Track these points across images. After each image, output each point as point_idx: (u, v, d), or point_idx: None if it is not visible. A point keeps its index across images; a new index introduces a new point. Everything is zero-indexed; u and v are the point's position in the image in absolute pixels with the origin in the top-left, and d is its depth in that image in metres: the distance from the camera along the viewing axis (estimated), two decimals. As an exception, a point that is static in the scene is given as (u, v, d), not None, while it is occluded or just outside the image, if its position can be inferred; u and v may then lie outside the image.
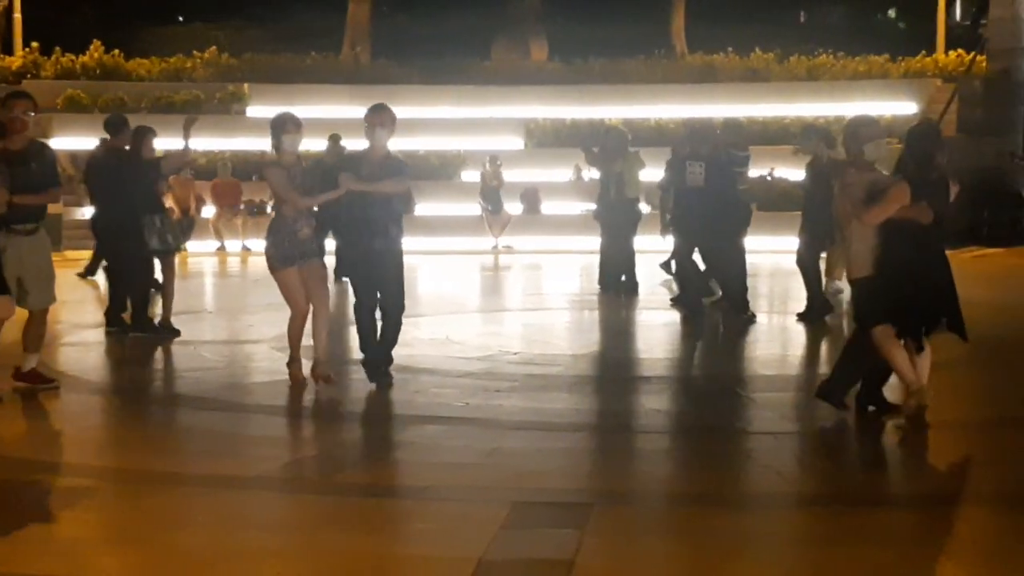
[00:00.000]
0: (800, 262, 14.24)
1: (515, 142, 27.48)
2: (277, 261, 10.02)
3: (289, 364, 10.30)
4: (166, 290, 13.09)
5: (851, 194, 8.83)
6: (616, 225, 16.78)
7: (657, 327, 14.47)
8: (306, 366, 10.21)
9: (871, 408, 8.98)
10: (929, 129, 9.48)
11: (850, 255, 9.03)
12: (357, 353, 10.51)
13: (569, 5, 33.55)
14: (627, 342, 13.63)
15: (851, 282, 9.20)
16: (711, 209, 14.09)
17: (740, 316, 14.20)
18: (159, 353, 12.46)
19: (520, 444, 8.69)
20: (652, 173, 17.47)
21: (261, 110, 26.69)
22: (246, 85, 27.46)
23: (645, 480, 7.80)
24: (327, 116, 24.90)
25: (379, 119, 10.15)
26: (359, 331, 10.21)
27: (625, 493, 7.37)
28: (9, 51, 29.48)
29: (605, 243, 17.07)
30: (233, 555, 6.16)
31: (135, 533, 6.59)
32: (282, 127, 10.05)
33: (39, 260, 9.84)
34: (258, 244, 22.21)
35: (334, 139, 19.34)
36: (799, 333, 13.75)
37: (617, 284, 16.78)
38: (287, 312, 10.24)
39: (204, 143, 25.80)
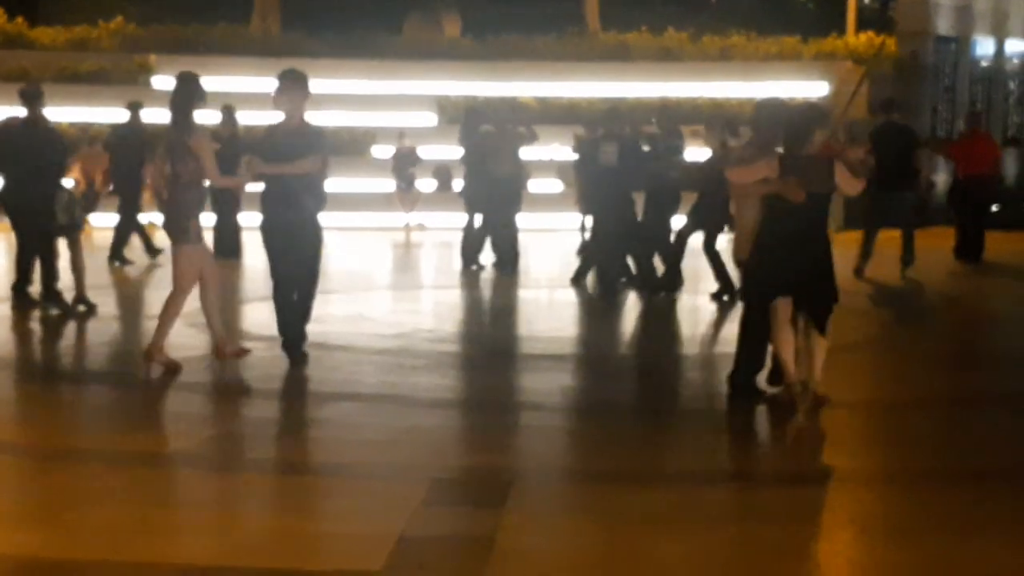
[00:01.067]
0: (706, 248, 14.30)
1: (428, 118, 27.33)
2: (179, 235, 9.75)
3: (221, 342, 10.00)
4: (77, 265, 12.81)
5: (732, 159, 8.96)
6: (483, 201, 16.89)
7: (569, 305, 14.49)
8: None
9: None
10: (776, 105, 9.56)
11: (736, 237, 9.11)
12: (265, 330, 10.41)
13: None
14: (539, 320, 13.62)
15: (736, 264, 9.29)
16: (622, 189, 14.27)
17: (653, 295, 14.30)
18: (67, 328, 12.25)
19: (437, 422, 8.67)
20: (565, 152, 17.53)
21: (168, 81, 26.20)
22: (152, 56, 27.01)
23: (561, 458, 7.81)
24: (235, 89, 24.57)
25: (290, 86, 9.98)
26: (278, 308, 10.06)
27: (542, 471, 7.37)
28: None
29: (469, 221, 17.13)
30: (149, 531, 6.07)
31: (47, 509, 6.47)
32: (196, 97, 9.77)
33: None
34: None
35: (228, 110, 18.90)
36: (711, 312, 13.84)
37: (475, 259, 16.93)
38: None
39: (109, 114, 25.34)
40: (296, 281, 10.00)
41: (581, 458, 7.82)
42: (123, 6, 30.72)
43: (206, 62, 26.58)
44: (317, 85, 27.60)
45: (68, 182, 13.10)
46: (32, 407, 9.00)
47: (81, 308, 12.63)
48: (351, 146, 26.07)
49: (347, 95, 26.88)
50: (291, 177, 9.77)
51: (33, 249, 12.79)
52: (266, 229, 9.91)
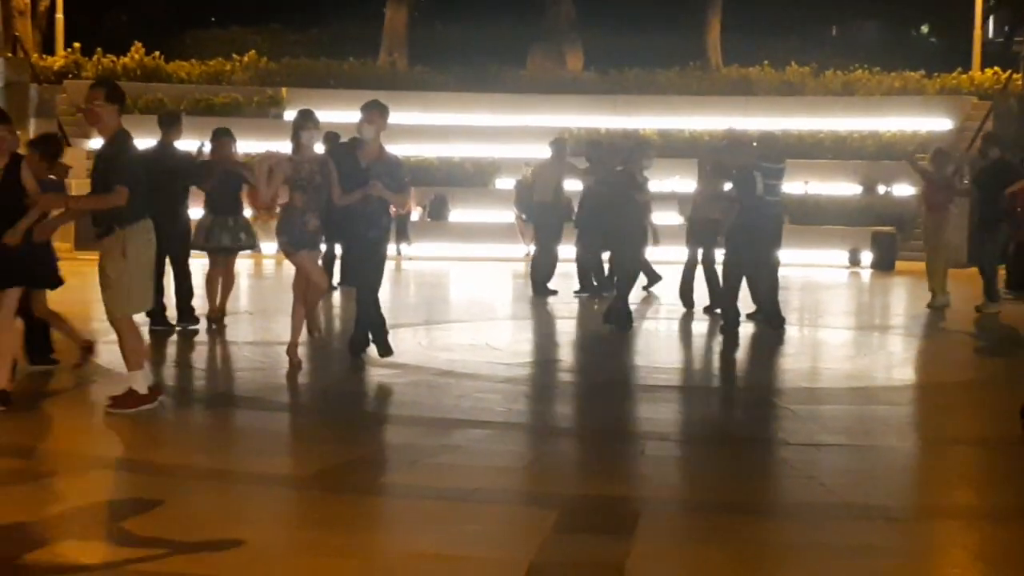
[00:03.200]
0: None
1: (549, 151, 27.57)
2: (292, 246, 11.01)
3: (289, 350, 11.18)
4: (227, 284, 13.68)
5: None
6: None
7: (697, 336, 14.55)
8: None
9: None
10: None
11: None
12: (404, 358, 10.68)
13: (605, 15, 33.64)
14: (667, 352, 13.70)
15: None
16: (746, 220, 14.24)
17: (774, 328, 14.30)
18: (201, 353, 12.63)
19: (564, 449, 8.81)
20: (686, 184, 17.63)
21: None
22: (284, 89, 27.65)
23: (689, 487, 7.90)
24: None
25: (368, 116, 10.99)
26: (361, 315, 11.31)
27: (670, 500, 7.46)
28: (51, 51, 29.75)
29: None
30: (291, 551, 6.29)
31: (195, 527, 6.72)
32: (302, 124, 10.97)
33: (104, 266, 9.10)
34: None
35: (331, 138, 19.23)
36: (833, 345, 13.80)
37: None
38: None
39: (241, 146, 25.95)
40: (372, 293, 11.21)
41: (708, 488, 7.89)
42: (256, 41, 31.50)
43: (335, 96, 27.19)
44: (442, 118, 28.11)
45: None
46: (169, 428, 9.31)
47: (215, 326, 13.38)
48: (474, 178, 26.41)
49: (471, 127, 27.26)
50: (372, 199, 10.93)
51: (161, 272, 13.31)
52: (347, 248, 11.06)
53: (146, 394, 9.16)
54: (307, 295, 11.35)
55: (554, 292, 17.76)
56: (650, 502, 7.35)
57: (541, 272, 18.09)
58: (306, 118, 11.07)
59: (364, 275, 11.37)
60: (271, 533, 6.58)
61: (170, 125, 13.70)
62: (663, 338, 14.87)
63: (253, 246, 14.16)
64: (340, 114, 23.97)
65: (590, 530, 6.74)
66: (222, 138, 14.00)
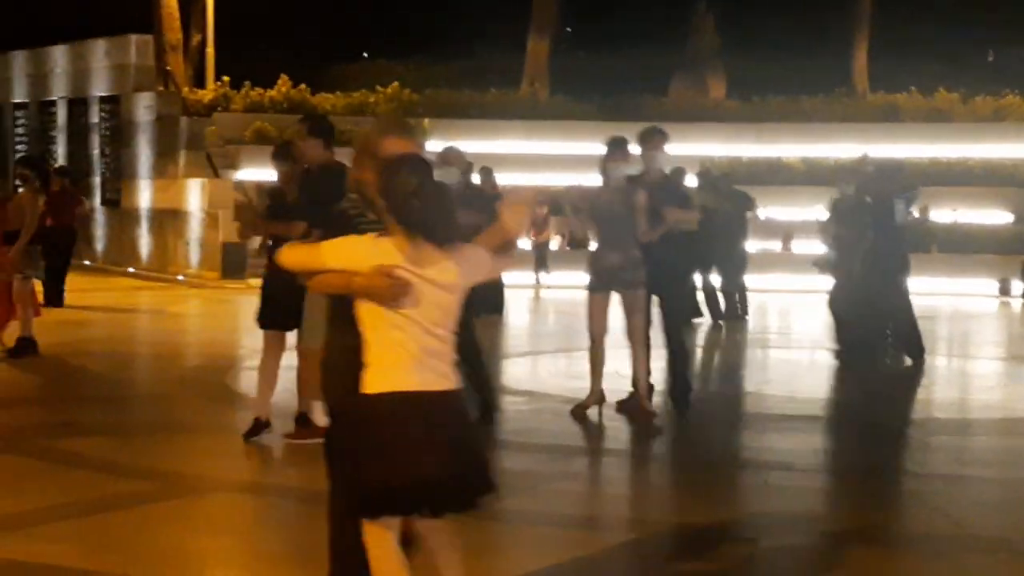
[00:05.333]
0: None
1: (691, 180, 27.42)
2: (588, 284, 10.49)
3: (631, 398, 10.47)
4: None
5: None
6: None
7: (825, 367, 14.30)
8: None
9: None
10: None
11: None
12: (522, 384, 10.66)
13: (749, 42, 33.39)
14: (794, 380, 13.48)
15: None
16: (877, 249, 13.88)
17: (914, 358, 13.99)
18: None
19: (685, 478, 8.71)
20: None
21: (440, 145, 27.10)
22: (426, 120, 27.94)
23: (809, 518, 7.75)
24: (505, 151, 25.21)
25: (659, 142, 10.65)
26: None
27: (787, 530, 7.34)
28: (202, 84, 30.53)
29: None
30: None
31: (315, 551, 6.80)
32: (612, 155, 10.42)
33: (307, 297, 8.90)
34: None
35: (486, 171, 19.34)
36: (974, 376, 13.45)
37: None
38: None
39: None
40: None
41: (830, 518, 7.75)
42: (399, 72, 31.92)
43: (477, 126, 27.43)
44: (583, 147, 28.12)
45: None
46: (296, 451, 9.45)
47: None
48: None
49: (612, 157, 27.21)
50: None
51: None
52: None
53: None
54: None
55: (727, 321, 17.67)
56: (770, 532, 7.23)
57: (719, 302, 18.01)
58: (614, 147, 10.46)
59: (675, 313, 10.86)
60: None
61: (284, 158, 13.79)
62: (796, 368, 14.64)
63: None
64: (482, 144, 24.18)
65: (706, 560, 6.66)
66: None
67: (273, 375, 9.39)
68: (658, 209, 10.25)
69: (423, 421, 4.77)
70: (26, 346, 13.02)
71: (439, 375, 4.84)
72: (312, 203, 8.88)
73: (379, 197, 4.95)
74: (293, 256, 5.10)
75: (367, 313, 4.86)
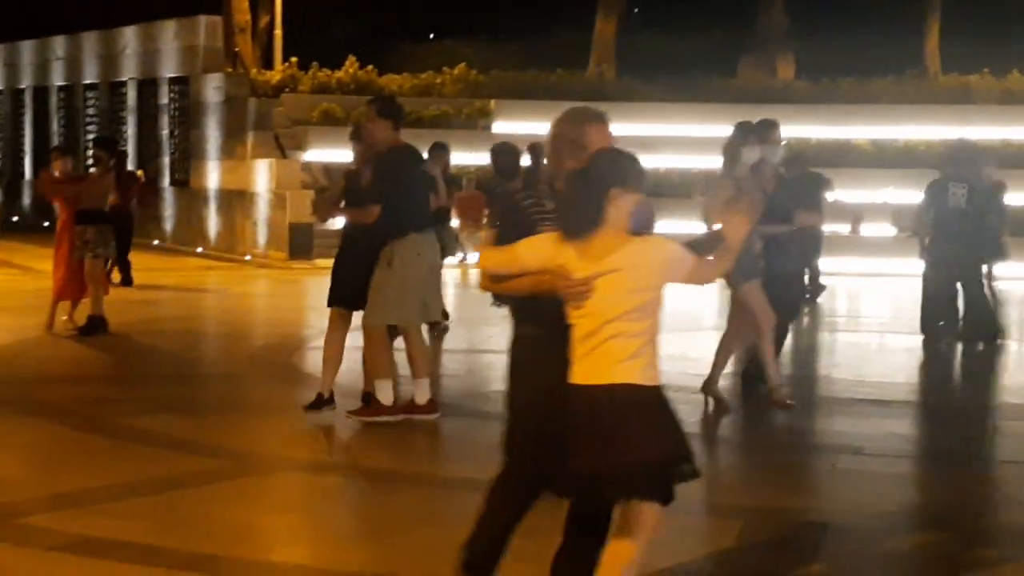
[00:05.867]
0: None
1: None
2: (740, 276, 9.68)
3: (774, 390, 10.00)
4: None
5: None
6: None
7: (902, 351, 14.15)
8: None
9: None
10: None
11: None
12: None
13: (818, 23, 33.08)
14: (869, 364, 13.35)
15: None
16: (969, 234, 13.63)
17: (991, 341, 13.79)
18: (400, 359, 12.81)
19: (755, 460, 8.66)
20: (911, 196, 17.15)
21: (506, 126, 27.11)
22: (492, 101, 27.92)
23: (878, 503, 7.66)
24: (571, 132, 25.09)
25: (775, 136, 10.58)
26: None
27: (857, 516, 7.25)
28: (270, 66, 30.69)
29: None
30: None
31: (378, 529, 6.84)
32: (743, 139, 10.12)
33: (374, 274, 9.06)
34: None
35: (534, 150, 18.95)
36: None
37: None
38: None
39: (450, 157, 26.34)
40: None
41: (899, 504, 7.66)
42: (466, 54, 31.92)
43: (543, 107, 27.28)
44: (649, 128, 28.02)
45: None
46: (370, 432, 9.48)
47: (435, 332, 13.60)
48: (680, 189, 26.22)
49: (679, 138, 27.09)
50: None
51: None
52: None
53: (390, 406, 9.16)
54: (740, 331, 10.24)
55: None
56: (837, 516, 7.16)
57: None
58: (748, 132, 10.22)
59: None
60: (461, 535, 6.62)
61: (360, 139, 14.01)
62: (865, 351, 14.50)
63: (454, 254, 14.45)
64: (547, 126, 24.08)
65: (773, 544, 6.62)
66: (438, 151, 14.36)
67: (338, 353, 9.42)
68: (785, 204, 10.05)
69: (612, 413, 4.80)
70: (96, 324, 13.16)
71: (612, 365, 4.82)
72: (385, 186, 8.94)
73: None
74: (492, 260, 5.12)
75: (568, 308, 4.89)
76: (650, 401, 4.90)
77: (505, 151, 9.57)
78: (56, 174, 13.61)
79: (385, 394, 9.14)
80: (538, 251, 4.92)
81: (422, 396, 9.29)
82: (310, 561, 6.19)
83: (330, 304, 9.43)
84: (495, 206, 9.44)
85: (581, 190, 4.88)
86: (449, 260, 14.80)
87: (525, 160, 13.99)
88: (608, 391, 4.81)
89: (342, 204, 9.50)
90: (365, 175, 9.23)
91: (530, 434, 5.17)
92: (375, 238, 8.98)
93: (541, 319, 5.05)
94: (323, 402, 9.36)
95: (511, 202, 5.35)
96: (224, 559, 6.16)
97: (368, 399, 9.30)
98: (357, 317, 9.32)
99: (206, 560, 6.10)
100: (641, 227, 9.95)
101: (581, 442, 4.84)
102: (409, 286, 9.03)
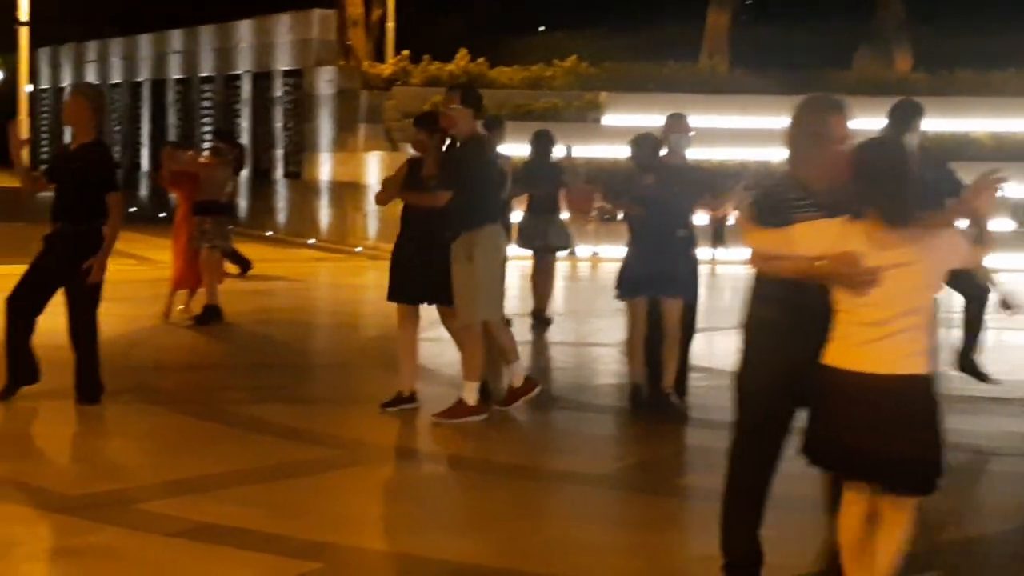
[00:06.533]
0: None
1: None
2: None
3: None
4: (541, 283, 14.06)
5: None
6: None
7: (1018, 348, 13.84)
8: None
9: None
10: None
11: None
12: (712, 362, 10.57)
13: (936, 13, 32.49)
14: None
15: None
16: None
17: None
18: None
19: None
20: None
21: (616, 118, 26.99)
22: (603, 94, 27.81)
23: (1003, 503, 7.51)
24: (683, 125, 24.91)
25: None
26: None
27: (980, 513, 7.12)
28: (382, 59, 30.89)
29: None
30: (579, 547, 6.31)
31: (487, 520, 6.84)
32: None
33: (452, 271, 8.88)
34: (609, 250, 22.52)
35: (640, 142, 18.90)
36: None
37: None
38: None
39: (560, 150, 26.28)
40: None
41: (1021, 503, 7.50)
42: (576, 46, 31.83)
43: (654, 100, 27.15)
44: (763, 122, 27.69)
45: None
46: (477, 423, 9.50)
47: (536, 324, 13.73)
48: (794, 182, 25.92)
49: (792, 131, 26.75)
50: None
51: None
52: None
53: (475, 406, 8.93)
54: None
55: None
56: (960, 514, 7.02)
57: None
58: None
59: None
60: (565, 528, 6.63)
61: (493, 130, 14.04)
62: (992, 348, 14.19)
63: (567, 247, 14.41)
64: (659, 118, 23.93)
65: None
66: (542, 141, 14.40)
67: (412, 348, 9.26)
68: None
69: (872, 401, 4.90)
70: (212, 314, 13.33)
71: (900, 357, 4.90)
72: (462, 176, 8.76)
73: (849, 181, 4.98)
74: (763, 240, 5.21)
75: (835, 294, 4.97)
76: (929, 394, 5.01)
77: (644, 143, 9.38)
78: (172, 167, 13.79)
79: (472, 394, 8.97)
80: (819, 236, 4.97)
81: (519, 378, 9.20)
82: (420, 551, 6.21)
83: (391, 299, 9.29)
84: (632, 197, 9.31)
85: (908, 181, 4.90)
86: (560, 253, 14.73)
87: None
88: (896, 381, 4.89)
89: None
90: (428, 164, 9.09)
91: (767, 416, 5.38)
92: (440, 228, 8.82)
93: (785, 303, 5.18)
94: (402, 400, 9.17)
95: (772, 193, 5.36)
96: (336, 547, 6.20)
97: (484, 391, 9.09)
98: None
99: (319, 548, 6.14)
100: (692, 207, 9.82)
101: (857, 423, 4.92)
102: (494, 279, 8.92)
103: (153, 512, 6.62)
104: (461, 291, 8.79)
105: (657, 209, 9.18)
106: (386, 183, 9.71)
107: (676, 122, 9.96)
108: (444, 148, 9.05)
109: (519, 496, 7.34)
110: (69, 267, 8.94)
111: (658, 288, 9.20)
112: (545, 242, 14.09)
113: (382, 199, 9.77)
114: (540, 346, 13.09)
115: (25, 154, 10.31)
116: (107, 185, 9.03)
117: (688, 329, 9.43)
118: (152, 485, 7.19)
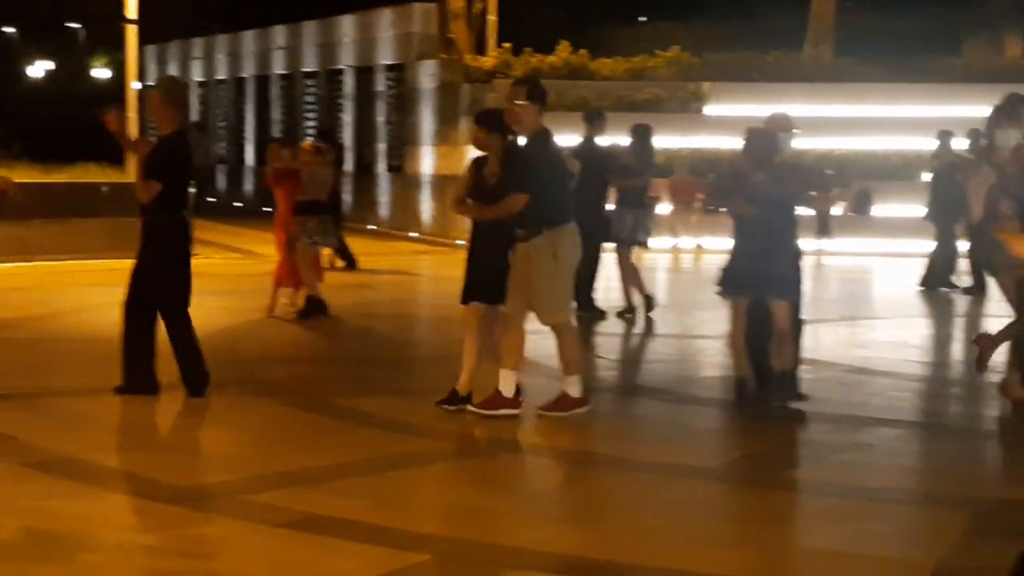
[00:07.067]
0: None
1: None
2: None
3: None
4: (624, 275, 13.91)
5: None
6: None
7: None
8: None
9: None
10: None
11: None
12: (818, 354, 10.44)
13: (1048, -1, 31.78)
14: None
15: None
16: None
17: None
18: (605, 340, 12.82)
19: (980, 451, 8.37)
20: None
21: (719, 108, 26.80)
22: (706, 84, 27.61)
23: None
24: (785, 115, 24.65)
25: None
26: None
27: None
28: (483, 51, 30.94)
29: None
30: (684, 540, 6.27)
31: (591, 512, 6.83)
32: (998, 120, 9.56)
33: (533, 271, 8.61)
34: (712, 242, 22.38)
35: (752, 135, 18.54)
36: None
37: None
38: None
39: (662, 141, 26.12)
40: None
41: None
42: (678, 35, 31.63)
43: (758, 90, 26.93)
44: (868, 110, 27.32)
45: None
46: (581, 416, 9.48)
47: (627, 315, 13.68)
48: (900, 171, 25.56)
49: (901, 119, 26.40)
50: None
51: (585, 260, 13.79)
52: None
53: (580, 398, 8.81)
54: None
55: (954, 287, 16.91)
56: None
57: (939, 267, 17.24)
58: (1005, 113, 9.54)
59: None
60: (670, 521, 6.59)
61: (594, 122, 14.07)
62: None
63: (645, 243, 14.25)
64: (762, 108, 23.67)
65: (1005, 536, 6.36)
66: (640, 134, 14.35)
67: (480, 349, 8.94)
68: None
69: None
70: (316, 307, 13.41)
71: None
72: (537, 174, 8.47)
73: None
74: None
75: None
76: None
77: (759, 140, 9.04)
78: (275, 164, 13.88)
79: (575, 387, 8.78)
80: None
81: (576, 389, 8.89)
82: (525, 543, 6.20)
83: (468, 300, 8.86)
84: (743, 196, 9.03)
85: None
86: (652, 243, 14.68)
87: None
88: None
89: (467, 199, 8.97)
90: (491, 163, 8.81)
91: None
92: (516, 226, 8.54)
93: None
94: (457, 399, 8.91)
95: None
96: (443, 539, 6.22)
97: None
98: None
99: (426, 539, 6.17)
100: (859, 210, 9.61)
101: None
102: (571, 277, 8.78)
103: (261, 503, 6.69)
104: (546, 290, 8.56)
105: (768, 209, 8.97)
106: (456, 191, 9.41)
107: (780, 120, 9.76)
108: (509, 146, 8.72)
109: (623, 489, 7.31)
110: (156, 260, 9.04)
111: (762, 289, 9.03)
112: (631, 236, 13.94)
113: (459, 211, 9.41)
114: (644, 338, 13.04)
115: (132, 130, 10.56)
116: (167, 173, 9.01)
117: (795, 327, 9.25)
118: (260, 476, 7.26)
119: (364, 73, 30.61)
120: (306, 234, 13.31)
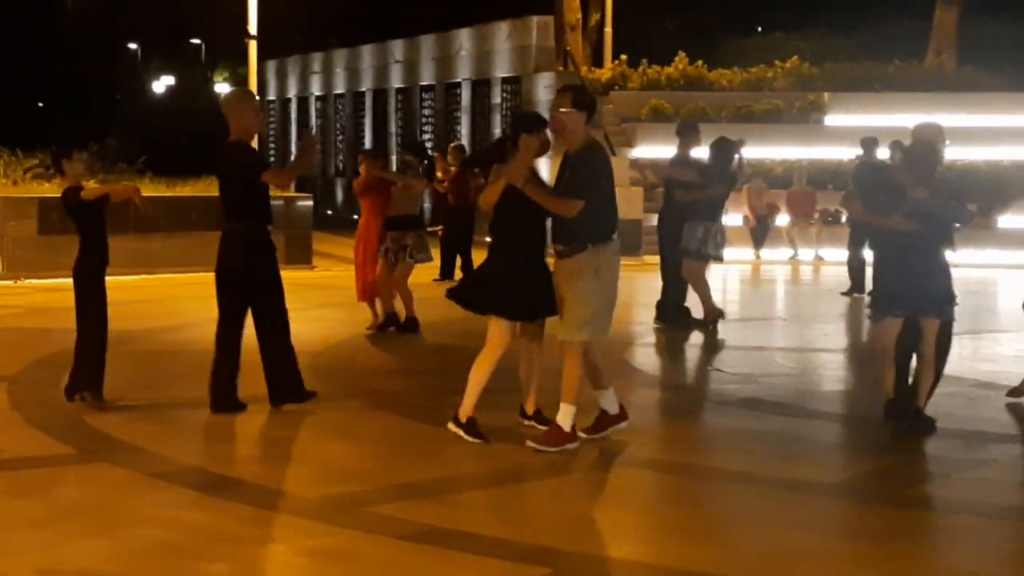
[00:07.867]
0: None
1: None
2: None
3: None
4: (695, 288, 13.87)
5: None
6: None
7: None
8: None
9: None
10: None
11: None
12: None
13: None
14: None
15: None
16: None
17: None
18: (723, 353, 12.72)
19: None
20: None
21: (839, 119, 26.51)
22: (825, 94, 27.33)
23: None
24: (907, 125, 24.30)
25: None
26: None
27: None
28: (600, 64, 30.93)
29: None
30: (807, 557, 6.18)
31: (714, 528, 6.76)
32: None
33: (572, 283, 8.23)
34: (832, 254, 22.10)
35: (867, 144, 17.81)
36: None
37: None
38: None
39: (780, 152, 25.91)
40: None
41: None
42: (798, 45, 31.35)
43: (879, 99, 26.63)
44: (992, 120, 26.88)
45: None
46: (694, 430, 9.40)
47: (709, 327, 13.68)
48: (1025, 182, 25.05)
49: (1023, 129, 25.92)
50: None
51: (666, 272, 14.15)
52: None
53: (570, 432, 8.23)
54: None
55: None
56: None
57: None
58: None
59: None
60: (792, 537, 6.50)
61: (687, 135, 14.02)
62: None
63: (719, 258, 13.95)
64: (884, 118, 23.38)
65: None
66: (722, 147, 13.94)
67: (535, 365, 8.70)
68: None
69: None
70: (411, 325, 13.37)
71: None
72: (592, 185, 8.12)
73: None
74: None
75: None
76: None
77: (921, 153, 8.66)
78: (366, 177, 13.60)
79: (568, 419, 8.25)
80: None
81: (613, 405, 8.61)
82: (646, 558, 6.17)
83: (516, 318, 8.48)
84: (904, 212, 8.75)
85: None
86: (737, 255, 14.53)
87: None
88: None
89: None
90: (517, 167, 8.30)
91: None
92: (558, 240, 8.25)
93: None
94: (542, 419, 8.66)
95: None
96: (564, 553, 6.20)
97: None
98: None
99: (547, 553, 6.15)
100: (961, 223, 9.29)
101: None
102: (612, 297, 8.30)
103: (384, 515, 6.73)
104: (578, 306, 8.14)
105: (928, 225, 8.72)
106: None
107: (935, 130, 9.49)
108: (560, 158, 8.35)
109: (745, 504, 7.22)
110: (243, 268, 9.12)
111: (919, 308, 8.78)
112: (702, 249, 13.63)
113: (486, 201, 8.62)
114: (764, 352, 12.90)
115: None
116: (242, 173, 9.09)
117: (943, 347, 9.02)
118: (382, 488, 7.31)
119: (481, 86, 30.78)
120: (407, 252, 13.11)
